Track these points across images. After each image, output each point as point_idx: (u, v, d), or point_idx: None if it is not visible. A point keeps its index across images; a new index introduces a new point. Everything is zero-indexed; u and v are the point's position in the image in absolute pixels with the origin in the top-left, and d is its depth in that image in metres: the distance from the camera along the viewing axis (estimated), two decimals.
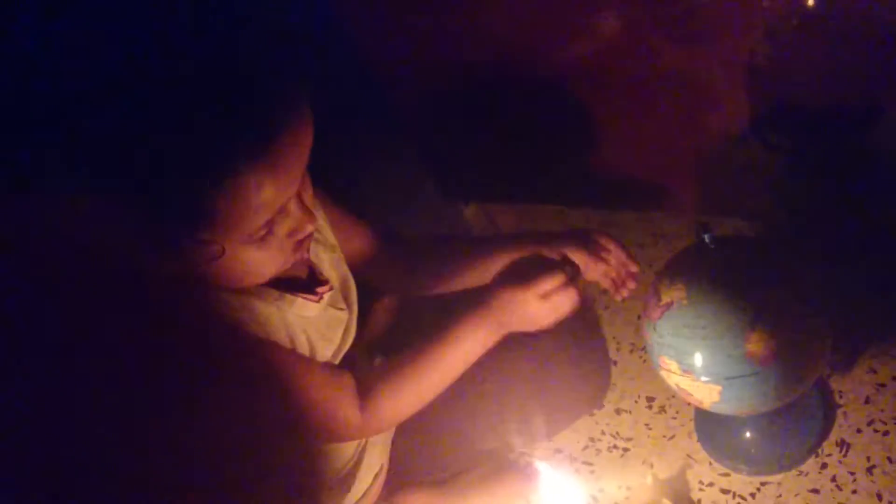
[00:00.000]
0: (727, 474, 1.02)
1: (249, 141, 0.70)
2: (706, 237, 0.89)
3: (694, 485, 1.03)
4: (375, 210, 1.17)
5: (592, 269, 0.98)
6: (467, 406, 1.08)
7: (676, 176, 1.27)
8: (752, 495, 0.99)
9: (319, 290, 0.91)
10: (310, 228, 0.81)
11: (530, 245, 0.98)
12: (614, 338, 1.24)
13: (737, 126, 1.14)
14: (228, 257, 0.76)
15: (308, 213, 0.80)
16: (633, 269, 0.98)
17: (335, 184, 1.00)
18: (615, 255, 0.98)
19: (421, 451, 1.09)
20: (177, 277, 0.79)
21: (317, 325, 0.91)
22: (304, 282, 0.91)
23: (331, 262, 0.97)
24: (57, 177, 0.68)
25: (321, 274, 0.93)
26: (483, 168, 1.43)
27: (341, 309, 0.96)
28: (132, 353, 0.69)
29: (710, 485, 1.02)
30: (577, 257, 0.95)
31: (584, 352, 1.20)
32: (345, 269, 0.99)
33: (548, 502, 0.98)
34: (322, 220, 0.97)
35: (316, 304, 0.90)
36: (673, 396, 1.12)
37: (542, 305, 0.89)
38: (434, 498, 1.06)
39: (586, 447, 1.11)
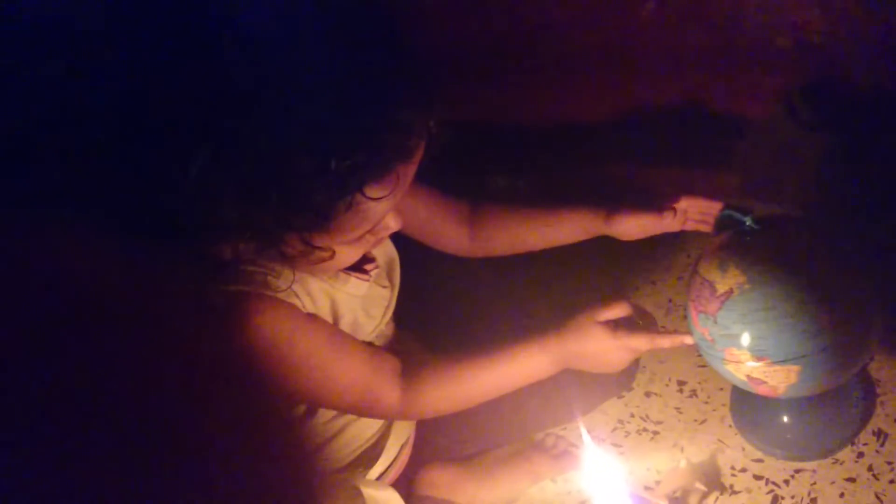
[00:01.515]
0: (760, 460, 1.01)
1: (388, 170, 0.73)
2: (748, 219, 0.87)
3: (726, 470, 1.01)
4: None
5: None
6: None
7: (708, 158, 1.24)
8: (786, 482, 0.98)
9: (368, 267, 0.91)
10: (396, 228, 0.83)
11: (594, 214, 1.00)
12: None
13: (773, 104, 1.12)
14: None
15: (400, 217, 0.82)
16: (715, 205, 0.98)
17: None
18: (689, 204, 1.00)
19: (447, 427, 1.07)
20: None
21: (363, 303, 0.91)
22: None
23: None
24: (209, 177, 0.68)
25: (369, 252, 0.91)
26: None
27: (384, 286, 0.95)
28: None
29: (743, 470, 1.00)
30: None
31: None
32: (390, 245, 0.98)
33: (581, 481, 0.96)
34: None
35: (365, 283, 0.90)
36: (705, 380, 1.10)
37: (621, 357, 0.91)
38: (459, 475, 1.05)
39: (615, 429, 1.10)
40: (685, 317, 0.92)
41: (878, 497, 0.93)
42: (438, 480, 1.03)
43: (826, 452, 0.98)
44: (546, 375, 0.93)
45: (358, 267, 0.89)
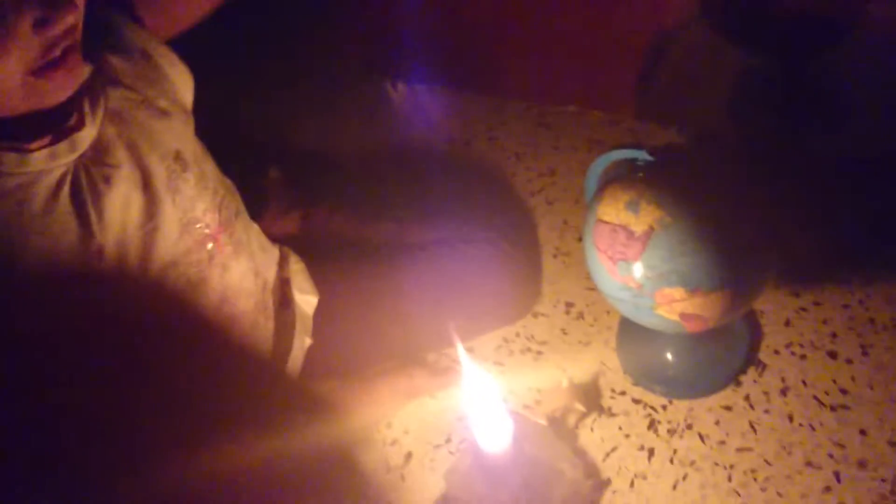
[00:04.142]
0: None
1: None
2: (641, 153, 0.85)
3: (606, 392, 1.00)
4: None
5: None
6: (384, 304, 1.02)
7: (618, 70, 1.20)
8: (664, 407, 0.97)
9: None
10: (69, 19, 0.65)
11: None
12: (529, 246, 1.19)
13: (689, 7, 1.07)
14: None
15: None
16: None
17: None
18: None
19: (333, 345, 1.01)
20: None
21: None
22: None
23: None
24: None
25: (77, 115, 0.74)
26: (414, 46, 1.33)
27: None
28: None
29: (622, 393, 0.99)
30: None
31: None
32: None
33: (459, 398, 0.93)
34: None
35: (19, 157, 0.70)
36: (593, 303, 1.08)
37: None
38: (336, 389, 1.00)
39: (499, 347, 1.06)
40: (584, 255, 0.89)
41: (752, 426, 0.93)
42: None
43: (704, 392, 0.97)
44: None
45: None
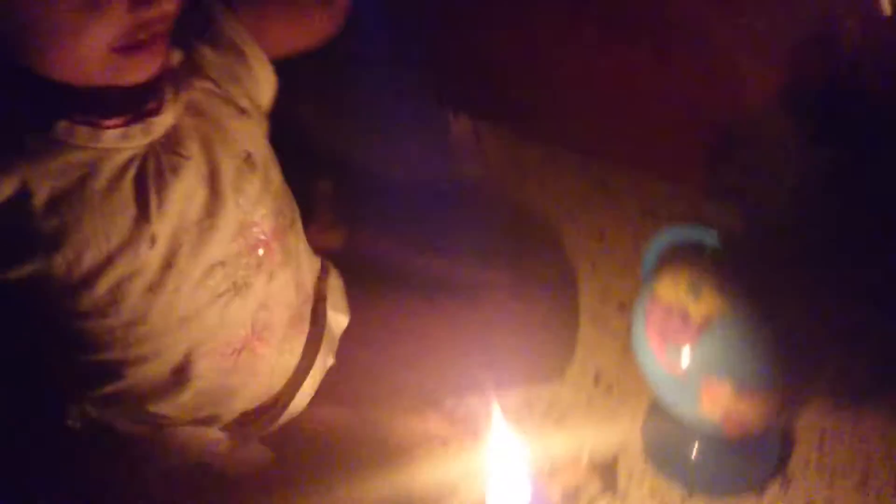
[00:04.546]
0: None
1: None
2: (711, 236, 0.81)
3: (623, 474, 0.96)
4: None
5: None
6: (410, 342, 0.99)
7: (689, 144, 1.18)
8: (682, 500, 0.93)
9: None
10: (166, 6, 0.65)
11: None
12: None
13: (775, 100, 1.05)
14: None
15: None
16: None
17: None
18: None
19: (351, 372, 0.98)
20: None
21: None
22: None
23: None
24: None
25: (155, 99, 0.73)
26: (482, 83, 1.31)
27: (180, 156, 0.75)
28: None
29: (641, 479, 0.95)
30: None
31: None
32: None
33: (479, 452, 0.89)
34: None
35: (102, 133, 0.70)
36: (623, 378, 1.04)
37: None
38: (344, 419, 0.96)
39: (520, 406, 1.03)
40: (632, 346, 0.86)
41: None
42: (326, 418, 0.94)
43: (728, 494, 0.93)
44: None
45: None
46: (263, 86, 0.84)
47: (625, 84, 1.19)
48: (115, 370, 0.77)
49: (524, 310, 1.04)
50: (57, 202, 0.68)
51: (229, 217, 0.77)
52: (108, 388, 0.78)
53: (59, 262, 0.69)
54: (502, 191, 1.29)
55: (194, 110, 0.76)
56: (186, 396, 0.80)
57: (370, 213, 1.12)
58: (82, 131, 0.68)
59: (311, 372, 0.92)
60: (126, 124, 0.70)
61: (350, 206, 1.12)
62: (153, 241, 0.72)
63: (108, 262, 0.70)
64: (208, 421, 0.86)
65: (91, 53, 0.64)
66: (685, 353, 0.79)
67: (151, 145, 0.72)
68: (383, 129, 1.15)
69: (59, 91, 0.66)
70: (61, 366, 0.79)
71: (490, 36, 1.26)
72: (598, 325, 1.11)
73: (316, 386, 0.94)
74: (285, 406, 0.90)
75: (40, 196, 0.67)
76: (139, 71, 0.68)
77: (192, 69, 0.77)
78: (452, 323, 1.00)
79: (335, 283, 0.98)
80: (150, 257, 0.72)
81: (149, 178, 0.72)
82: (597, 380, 1.05)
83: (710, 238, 0.82)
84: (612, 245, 1.21)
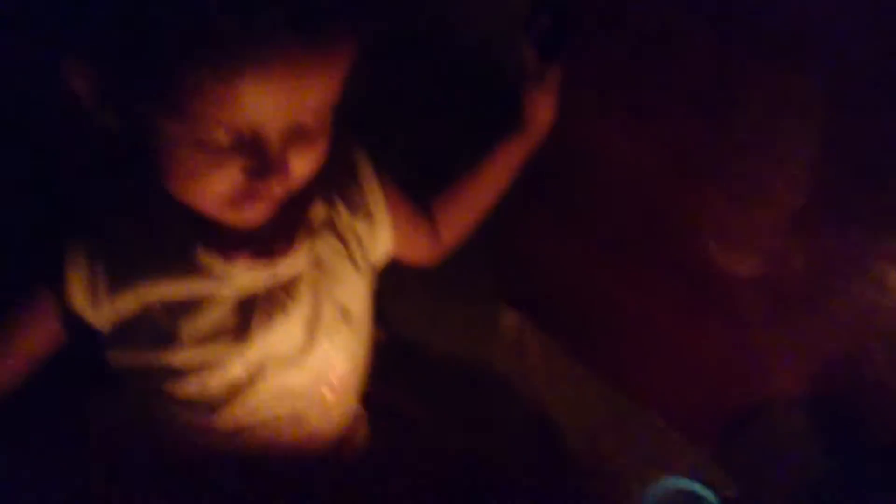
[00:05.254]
0: None
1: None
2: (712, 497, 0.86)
3: None
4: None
5: None
6: None
7: (708, 404, 1.24)
8: None
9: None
10: (273, 185, 0.69)
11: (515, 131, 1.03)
12: None
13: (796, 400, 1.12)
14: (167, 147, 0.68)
15: (282, 162, 0.68)
16: None
17: None
18: None
19: None
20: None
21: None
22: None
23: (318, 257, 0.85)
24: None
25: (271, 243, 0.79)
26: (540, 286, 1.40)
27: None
28: None
29: None
30: None
31: None
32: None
33: None
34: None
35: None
36: None
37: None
38: None
39: None
40: None
41: None
42: None
43: None
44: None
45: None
46: (380, 246, 0.92)
47: (662, 329, 1.26)
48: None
49: None
50: (172, 310, 0.76)
51: (316, 359, 0.84)
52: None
53: (157, 356, 0.77)
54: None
55: (318, 262, 0.84)
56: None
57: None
58: (214, 258, 0.77)
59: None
60: (252, 259, 0.78)
61: None
62: (243, 363, 0.79)
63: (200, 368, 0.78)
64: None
65: (203, 193, 0.70)
66: None
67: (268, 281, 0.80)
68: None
69: (194, 217, 0.74)
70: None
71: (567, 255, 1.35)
72: None
73: None
74: None
75: (160, 303, 0.76)
76: (240, 220, 0.74)
77: (327, 225, 0.85)
78: None
79: (361, 431, 1.03)
80: (235, 371, 0.79)
81: (256, 310, 0.79)
82: None
83: (708, 495, 0.86)
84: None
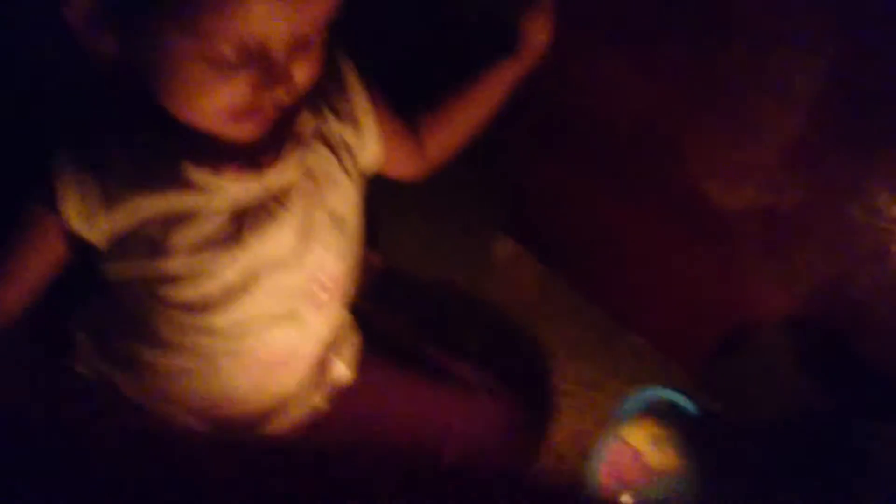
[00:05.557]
0: None
1: None
2: (690, 404, 0.88)
3: None
4: None
5: None
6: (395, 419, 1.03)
7: (694, 329, 1.25)
8: None
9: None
10: (280, 97, 0.71)
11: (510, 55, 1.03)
12: None
13: (783, 324, 1.13)
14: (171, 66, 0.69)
15: (287, 73, 0.70)
16: None
17: None
18: None
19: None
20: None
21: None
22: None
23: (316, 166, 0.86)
24: None
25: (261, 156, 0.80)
26: (535, 214, 1.41)
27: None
28: None
29: None
30: None
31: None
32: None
33: None
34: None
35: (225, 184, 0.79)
36: None
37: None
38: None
39: None
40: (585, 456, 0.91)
41: None
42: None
43: None
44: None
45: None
46: (371, 154, 0.93)
47: (658, 256, 1.27)
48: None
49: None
50: (167, 223, 0.78)
51: (309, 262, 0.86)
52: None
53: (153, 266, 0.80)
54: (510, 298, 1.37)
55: (309, 174, 0.85)
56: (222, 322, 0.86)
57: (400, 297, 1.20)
58: (203, 172, 0.78)
59: (295, 401, 0.98)
60: (240, 170, 0.79)
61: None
62: (236, 269, 0.81)
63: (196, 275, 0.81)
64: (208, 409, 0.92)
65: (207, 108, 0.72)
66: (623, 488, 0.85)
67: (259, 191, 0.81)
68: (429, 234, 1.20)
69: (185, 132, 0.75)
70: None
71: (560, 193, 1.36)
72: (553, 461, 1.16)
73: (300, 419, 1.00)
74: (264, 426, 0.96)
75: (154, 218, 0.78)
76: (240, 133, 0.75)
77: (316, 135, 0.86)
78: (440, 410, 1.05)
79: (352, 339, 1.05)
80: (229, 277, 0.81)
81: (247, 217, 0.81)
82: None
83: (688, 404, 0.88)
84: (595, 394, 1.27)
